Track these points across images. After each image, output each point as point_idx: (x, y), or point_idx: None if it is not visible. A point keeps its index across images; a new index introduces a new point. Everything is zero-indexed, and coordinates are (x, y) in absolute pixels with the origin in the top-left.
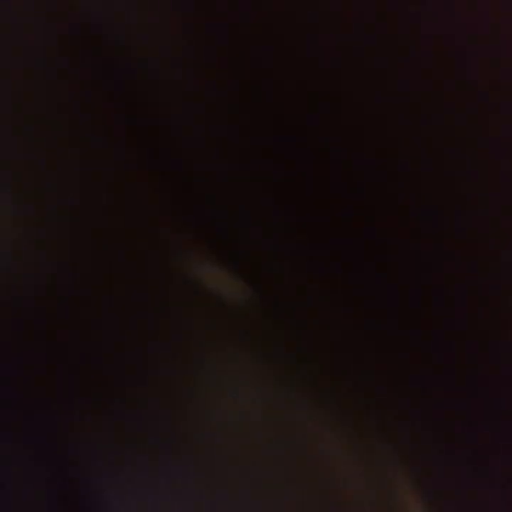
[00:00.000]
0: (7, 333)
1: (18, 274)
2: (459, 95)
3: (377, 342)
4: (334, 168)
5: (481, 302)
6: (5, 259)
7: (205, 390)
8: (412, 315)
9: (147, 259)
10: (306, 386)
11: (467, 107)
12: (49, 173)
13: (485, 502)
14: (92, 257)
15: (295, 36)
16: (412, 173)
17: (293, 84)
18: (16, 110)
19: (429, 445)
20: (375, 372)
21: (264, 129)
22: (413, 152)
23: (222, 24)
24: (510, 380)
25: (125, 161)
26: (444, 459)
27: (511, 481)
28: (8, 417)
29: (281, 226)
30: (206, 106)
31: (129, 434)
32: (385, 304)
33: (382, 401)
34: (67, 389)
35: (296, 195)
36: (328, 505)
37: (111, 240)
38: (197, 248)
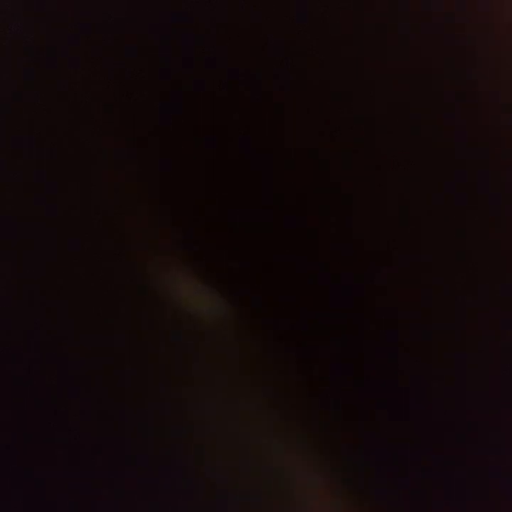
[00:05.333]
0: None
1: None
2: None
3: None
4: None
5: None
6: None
7: (186, 408)
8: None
9: (125, 281)
10: (284, 401)
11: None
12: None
13: None
14: (72, 275)
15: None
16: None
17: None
18: (16, 109)
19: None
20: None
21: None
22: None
23: None
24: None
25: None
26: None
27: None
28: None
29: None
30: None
31: (116, 456)
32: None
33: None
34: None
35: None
36: None
37: (90, 259)
38: (175, 268)
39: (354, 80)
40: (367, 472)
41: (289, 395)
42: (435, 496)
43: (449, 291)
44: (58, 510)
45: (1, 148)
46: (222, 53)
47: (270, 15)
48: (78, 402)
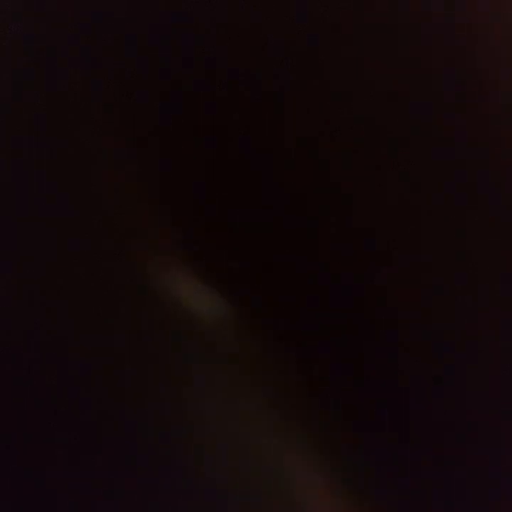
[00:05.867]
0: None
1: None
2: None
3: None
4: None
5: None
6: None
7: (186, 408)
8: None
9: (125, 281)
10: (285, 400)
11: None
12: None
13: None
14: (72, 275)
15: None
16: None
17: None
18: (16, 109)
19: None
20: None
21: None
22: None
23: None
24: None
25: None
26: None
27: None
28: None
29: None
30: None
31: (116, 456)
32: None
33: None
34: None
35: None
36: None
37: (90, 259)
38: (175, 267)
39: (354, 80)
40: (367, 472)
41: (289, 395)
42: (435, 496)
43: (449, 291)
44: (58, 511)
45: (0, 148)
46: (222, 53)
47: (270, 15)
48: (78, 402)
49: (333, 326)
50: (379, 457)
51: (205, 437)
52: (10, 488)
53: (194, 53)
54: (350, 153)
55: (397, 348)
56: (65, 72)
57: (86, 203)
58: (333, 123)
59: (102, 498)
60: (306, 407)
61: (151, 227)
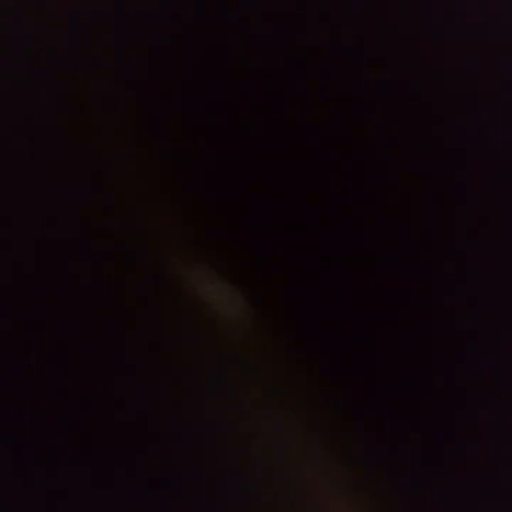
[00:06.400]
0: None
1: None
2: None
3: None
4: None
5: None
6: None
7: (197, 398)
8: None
9: (148, 275)
10: (294, 400)
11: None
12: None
13: None
14: (97, 265)
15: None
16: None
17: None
18: (16, 108)
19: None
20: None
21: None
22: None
23: None
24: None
25: (130, 172)
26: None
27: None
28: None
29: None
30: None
31: (125, 449)
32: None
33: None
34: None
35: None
36: None
37: (114, 252)
38: (198, 263)
39: (354, 80)
40: (367, 472)
41: (305, 394)
42: (435, 496)
43: (449, 292)
44: (58, 509)
45: (1, 148)
46: (223, 53)
47: (270, 15)
48: (96, 397)
49: (355, 325)
50: (379, 457)
51: (214, 436)
52: (10, 487)
53: (194, 53)
54: (362, 155)
55: (398, 348)
56: (65, 72)
57: (103, 202)
58: (339, 122)
59: (103, 498)
60: (315, 406)
61: (174, 226)
